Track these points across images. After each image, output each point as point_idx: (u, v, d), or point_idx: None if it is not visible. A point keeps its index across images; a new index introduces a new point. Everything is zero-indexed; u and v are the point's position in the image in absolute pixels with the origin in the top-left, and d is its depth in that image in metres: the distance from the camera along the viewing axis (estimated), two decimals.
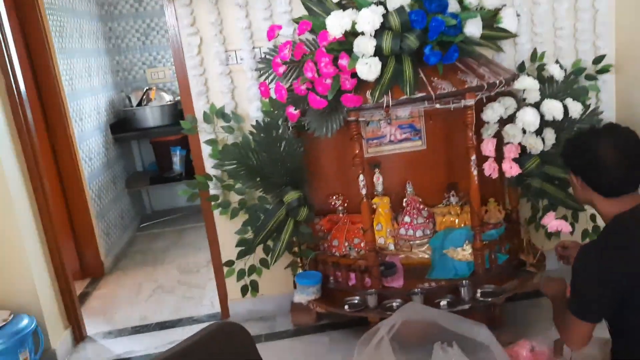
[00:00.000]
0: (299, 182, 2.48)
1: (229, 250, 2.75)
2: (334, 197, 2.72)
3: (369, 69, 2.11)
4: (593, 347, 1.79)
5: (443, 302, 2.32)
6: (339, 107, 2.18)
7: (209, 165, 2.73)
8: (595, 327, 1.59)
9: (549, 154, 2.47)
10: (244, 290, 2.70)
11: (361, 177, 2.29)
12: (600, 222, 2.92)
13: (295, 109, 2.26)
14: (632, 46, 2.66)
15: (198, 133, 2.72)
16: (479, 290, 2.36)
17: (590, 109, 2.49)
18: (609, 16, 2.68)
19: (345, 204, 2.73)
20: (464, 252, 2.51)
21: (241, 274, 2.66)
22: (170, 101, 4.71)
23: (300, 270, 2.65)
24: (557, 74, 2.45)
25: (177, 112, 4.52)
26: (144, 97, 4.63)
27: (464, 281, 2.36)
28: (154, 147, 4.91)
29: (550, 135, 2.42)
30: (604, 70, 2.55)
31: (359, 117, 2.23)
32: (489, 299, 2.32)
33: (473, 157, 2.30)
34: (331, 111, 2.19)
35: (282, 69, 2.28)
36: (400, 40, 2.14)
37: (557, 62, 2.60)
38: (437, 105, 2.19)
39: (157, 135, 4.71)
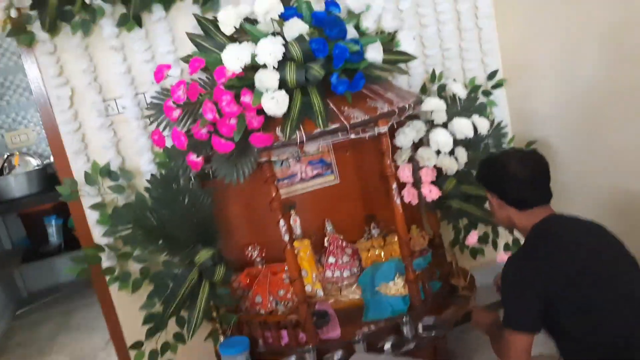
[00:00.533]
0: (210, 237, 2.18)
1: (132, 329, 2.35)
2: (250, 248, 2.46)
3: (276, 103, 1.92)
4: None
5: (387, 346, 2.14)
6: (247, 148, 1.95)
7: (97, 233, 2.33)
8: (533, 342, 1.59)
9: (462, 173, 2.44)
10: None
11: (282, 222, 2.06)
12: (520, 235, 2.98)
13: (198, 156, 1.99)
14: (517, 60, 2.76)
15: (80, 198, 2.32)
16: (420, 325, 2.21)
17: (495, 124, 2.51)
18: (493, 34, 2.76)
19: (263, 254, 2.48)
20: (396, 286, 2.36)
21: (153, 356, 2.27)
22: (38, 165, 4.15)
23: (222, 339, 2.33)
24: (461, 92, 2.44)
25: (48, 176, 3.98)
26: (5, 164, 4.03)
27: (404, 318, 2.19)
28: (23, 219, 4.32)
29: (462, 153, 2.38)
30: (498, 85, 2.61)
31: (271, 156, 2.02)
32: (433, 333, 2.17)
33: (394, 185, 2.18)
34: (239, 154, 1.96)
35: (176, 113, 2.01)
36: (305, 71, 1.98)
37: (454, 80, 2.61)
38: (352, 136, 2.05)
39: (26, 206, 4.10)
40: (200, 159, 2.00)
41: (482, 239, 2.57)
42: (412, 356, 2.11)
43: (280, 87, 1.95)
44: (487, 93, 2.60)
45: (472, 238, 2.45)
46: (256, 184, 2.16)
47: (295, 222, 2.48)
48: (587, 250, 1.61)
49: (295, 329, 2.21)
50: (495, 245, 2.71)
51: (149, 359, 2.27)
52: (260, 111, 1.94)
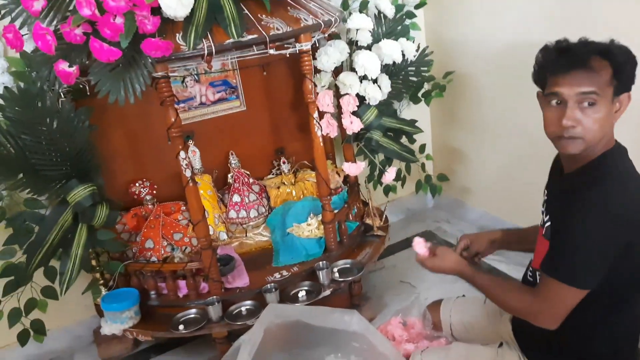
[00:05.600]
0: (87, 171, 1.75)
1: None
2: (138, 184, 2.05)
3: (178, 2, 1.50)
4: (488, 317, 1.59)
5: (302, 294, 1.91)
6: (139, 58, 1.53)
7: None
8: None
9: (383, 103, 2.21)
10: (22, 339, 1.86)
11: (182, 153, 1.68)
12: (430, 170, 2.86)
13: (70, 65, 1.52)
14: None
15: None
16: (335, 270, 2.01)
17: (421, 49, 2.28)
18: None
19: (154, 191, 2.09)
20: (311, 227, 2.12)
21: (15, 316, 1.83)
22: None
23: (105, 292, 1.94)
24: (389, 10, 2.15)
25: None
26: None
27: (320, 263, 1.97)
28: None
29: (386, 82, 2.14)
30: (422, 4, 2.35)
31: (169, 71, 1.61)
32: (349, 278, 1.99)
33: (315, 115, 1.89)
34: (128, 65, 1.53)
35: (38, 4, 1.50)
36: None
37: None
38: (272, 51, 1.70)
39: None
40: (73, 69, 1.52)
41: (396, 176, 2.40)
42: (327, 303, 1.91)
43: None
44: (410, 15, 2.34)
45: (390, 175, 2.26)
46: (147, 105, 1.76)
47: (194, 154, 2.11)
48: None
49: (196, 278, 1.90)
50: (403, 183, 2.57)
51: (9, 319, 1.82)
52: (156, 10, 1.51)
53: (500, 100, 2.43)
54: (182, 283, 1.91)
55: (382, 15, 2.17)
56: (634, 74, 1.17)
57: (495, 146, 2.54)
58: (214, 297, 1.85)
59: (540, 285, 1.23)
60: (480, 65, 2.47)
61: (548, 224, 1.26)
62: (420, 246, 1.46)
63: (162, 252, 1.98)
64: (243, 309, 1.86)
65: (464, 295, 1.73)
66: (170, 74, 1.63)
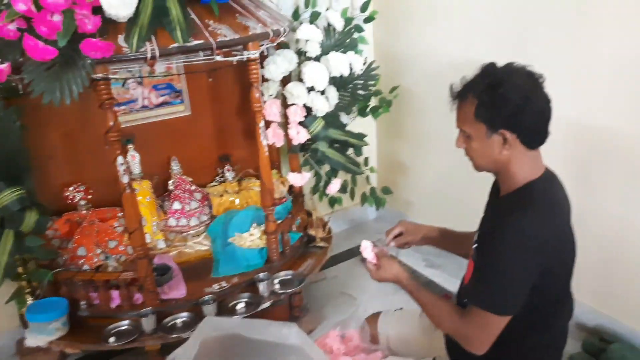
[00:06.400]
0: (17, 174, 1.65)
1: None
2: (72, 189, 1.96)
3: (121, 1, 1.45)
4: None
5: (240, 305, 1.88)
6: (78, 58, 1.46)
7: None
8: None
9: (330, 115, 2.21)
10: None
11: (120, 159, 1.62)
12: (374, 182, 2.88)
13: (2, 62, 1.43)
14: None
15: None
16: (276, 281, 1.99)
17: (368, 63, 2.30)
18: None
19: (89, 196, 2.00)
20: (253, 237, 2.09)
21: None
22: None
23: (31, 301, 1.83)
24: (338, 23, 2.16)
25: None
26: None
27: (261, 274, 1.95)
28: None
29: (334, 94, 2.15)
30: (370, 18, 2.38)
31: (109, 72, 1.54)
32: (290, 290, 1.97)
33: (262, 123, 1.86)
34: (65, 65, 1.45)
35: None
36: None
37: (328, 9, 2.31)
38: (218, 58, 1.67)
39: None
40: (5, 67, 1.44)
41: (341, 188, 2.41)
42: (266, 316, 1.89)
43: None
44: (359, 29, 2.36)
45: (335, 186, 2.27)
46: (84, 107, 1.68)
47: (134, 159, 2.03)
48: (570, 224, 1.32)
49: (130, 288, 1.82)
50: (352, 195, 2.58)
51: None
52: (98, 9, 1.45)
53: (441, 115, 2.48)
54: (115, 293, 1.83)
55: (331, 27, 2.18)
56: (510, 113, 1.16)
57: (435, 160, 2.60)
58: (148, 308, 1.78)
59: (467, 310, 1.26)
60: (424, 81, 2.53)
61: (475, 245, 1.30)
62: (367, 251, 1.47)
63: (95, 260, 1.89)
64: (178, 321, 1.81)
65: (402, 308, 1.75)
66: (111, 76, 1.57)
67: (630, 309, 1.89)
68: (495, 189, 1.38)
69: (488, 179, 1.35)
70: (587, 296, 1.97)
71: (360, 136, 2.35)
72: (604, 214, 1.87)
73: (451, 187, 2.53)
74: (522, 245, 1.16)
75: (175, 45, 1.54)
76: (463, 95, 1.24)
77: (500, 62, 1.26)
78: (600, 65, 1.77)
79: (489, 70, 1.25)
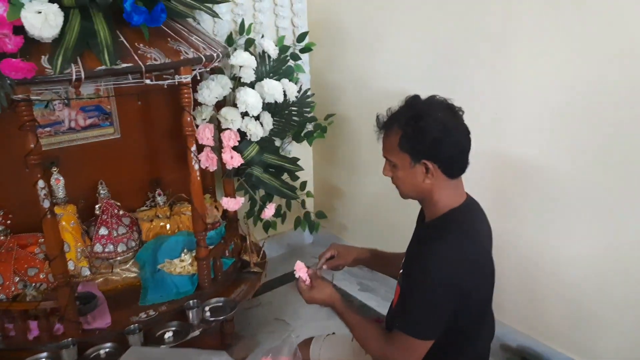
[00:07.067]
0: None
1: None
2: None
3: (44, 22, 1.42)
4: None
5: (168, 335, 1.82)
6: None
7: None
8: None
9: (265, 140, 2.22)
10: None
11: (41, 182, 1.55)
12: (310, 207, 2.90)
13: None
14: (323, 26, 2.63)
15: None
16: (207, 308, 1.95)
17: (303, 90, 2.34)
18: None
19: (8, 221, 1.90)
20: (184, 264, 2.05)
21: None
22: None
23: None
24: (272, 50, 2.19)
25: None
26: None
27: (190, 301, 1.90)
28: None
29: (268, 119, 2.16)
30: (307, 49, 2.43)
31: (31, 94, 1.49)
32: (221, 317, 1.93)
33: (193, 148, 1.85)
34: None
35: None
36: None
37: (262, 37, 2.35)
38: (148, 81, 1.65)
39: None
40: None
41: (276, 213, 2.41)
42: (196, 344, 1.84)
43: (52, 1, 1.44)
44: (295, 57, 2.41)
45: (270, 211, 2.26)
46: (3, 128, 1.61)
47: (58, 182, 1.95)
48: (489, 249, 1.39)
49: (50, 318, 1.73)
50: (283, 219, 2.59)
51: None
52: (20, 29, 1.40)
53: (374, 142, 2.54)
54: (33, 324, 1.73)
55: (266, 54, 2.20)
56: (430, 144, 1.22)
57: (369, 185, 2.66)
58: (69, 339, 1.70)
59: (392, 334, 1.29)
60: (358, 108, 2.60)
61: (402, 270, 1.34)
62: (302, 271, 1.47)
63: (13, 289, 1.79)
64: (102, 352, 1.73)
65: (334, 333, 1.76)
66: (33, 97, 1.51)
67: (550, 330, 1.98)
68: (422, 215, 1.43)
69: (417, 204, 1.40)
70: (510, 317, 2.06)
71: (295, 160, 2.37)
72: (523, 237, 1.97)
73: (383, 212, 2.58)
74: (442, 271, 1.21)
75: (102, 67, 1.51)
76: (389, 125, 1.31)
77: (425, 94, 1.32)
78: (517, 99, 1.88)
79: (412, 102, 1.31)
